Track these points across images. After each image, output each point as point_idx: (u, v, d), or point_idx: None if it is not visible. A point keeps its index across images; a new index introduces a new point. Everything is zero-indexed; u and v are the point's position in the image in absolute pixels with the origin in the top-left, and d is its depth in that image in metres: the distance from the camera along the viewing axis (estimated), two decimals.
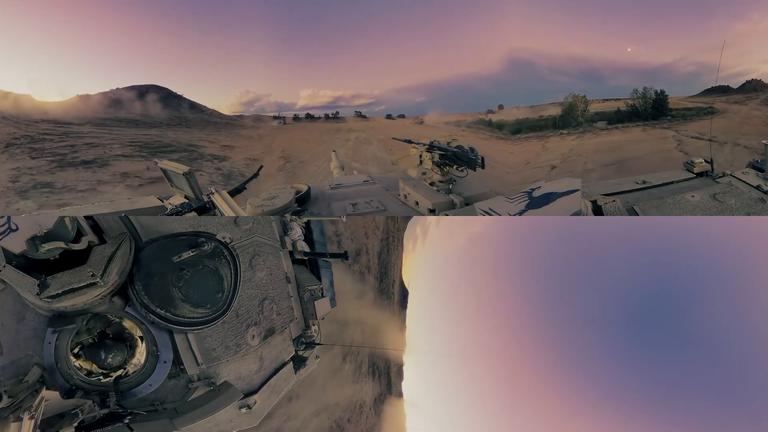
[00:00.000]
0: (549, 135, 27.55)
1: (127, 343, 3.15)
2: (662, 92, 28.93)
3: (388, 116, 36.18)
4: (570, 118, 28.32)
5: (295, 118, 34.96)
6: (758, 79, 30.09)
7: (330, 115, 36.22)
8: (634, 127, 27.80)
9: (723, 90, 31.00)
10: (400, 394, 24.65)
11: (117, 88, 29.84)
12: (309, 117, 35.65)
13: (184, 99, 31.97)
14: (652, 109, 28.61)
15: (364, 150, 27.97)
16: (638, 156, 22.59)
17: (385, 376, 23.72)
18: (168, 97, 31.40)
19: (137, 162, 20.65)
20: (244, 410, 3.45)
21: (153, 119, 28.23)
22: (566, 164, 23.53)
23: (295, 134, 31.42)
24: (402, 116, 35.75)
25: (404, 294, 26.37)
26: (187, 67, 36.88)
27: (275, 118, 33.76)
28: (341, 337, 17.02)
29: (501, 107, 30.33)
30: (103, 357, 3.01)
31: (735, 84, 31.04)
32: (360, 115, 36.18)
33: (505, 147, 26.23)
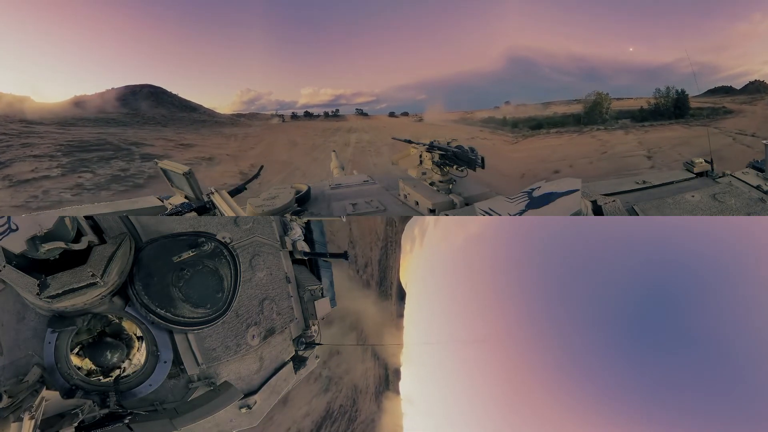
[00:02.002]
0: (584, 131, 27.52)
1: (123, 341, 3.16)
2: (683, 92, 29.22)
3: (391, 114, 35.85)
4: (595, 115, 28.49)
5: (293, 116, 34.73)
6: (761, 80, 30.24)
7: (329, 113, 35.89)
8: (670, 124, 27.87)
9: (726, 91, 31.08)
10: (397, 392, 24.77)
11: (112, 88, 29.97)
12: (308, 115, 35.36)
13: (178, 98, 31.97)
14: (674, 108, 28.86)
15: (369, 163, 25.41)
16: (717, 149, 22.31)
17: (384, 368, 24.03)
18: (161, 96, 31.40)
19: (39, 162, 19.95)
20: (244, 410, 3.45)
21: (130, 118, 27.69)
22: (660, 155, 23.02)
23: (285, 135, 29.86)
24: (406, 114, 35.50)
25: (402, 295, 26.39)
26: (188, 67, 36.87)
27: (272, 116, 33.64)
28: (357, 323, 20.04)
29: (508, 104, 30.36)
30: (108, 356, 3.02)
31: (737, 85, 31.16)
32: (361, 113, 35.88)
33: (551, 140, 26.13)
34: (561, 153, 24.12)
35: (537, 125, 28.04)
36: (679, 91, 29.10)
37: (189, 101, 32.22)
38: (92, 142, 22.67)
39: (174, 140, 25.56)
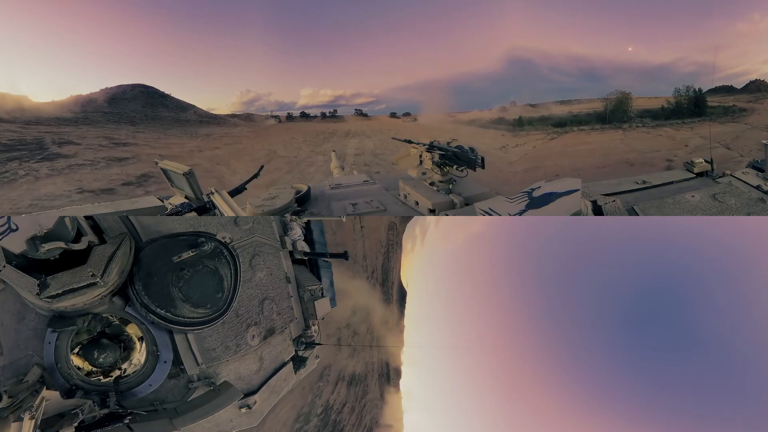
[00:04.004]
0: (625, 128, 27.81)
1: (121, 344, 3.16)
2: (699, 90, 29.43)
3: (393, 114, 35.41)
4: (619, 114, 28.86)
5: (289, 117, 34.33)
6: (761, 79, 30.36)
7: (327, 114, 35.34)
8: (700, 121, 28.08)
9: (727, 90, 31.16)
10: (398, 388, 24.98)
11: (106, 87, 30.09)
12: (304, 116, 34.84)
13: (171, 98, 31.96)
14: (694, 107, 29.14)
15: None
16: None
17: (385, 360, 24.59)
18: (153, 95, 31.41)
19: None
20: (244, 410, 3.45)
21: (103, 117, 27.47)
22: (735, 147, 23.23)
23: (268, 140, 28.30)
24: (408, 114, 35.03)
25: (403, 294, 26.45)
26: (188, 68, 36.95)
27: (267, 117, 33.34)
28: (366, 318, 22.75)
29: (513, 104, 30.36)
30: (95, 356, 3.02)
31: (737, 84, 31.26)
32: (360, 114, 35.52)
33: (595, 137, 26.52)
34: (641, 146, 24.51)
35: (559, 123, 28.30)
36: (697, 90, 29.34)
37: (182, 101, 32.17)
38: (27, 140, 22.51)
39: (112, 138, 24.90)
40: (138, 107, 30.18)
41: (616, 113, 28.88)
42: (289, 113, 34.37)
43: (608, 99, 29.44)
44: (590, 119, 28.84)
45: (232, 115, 33.02)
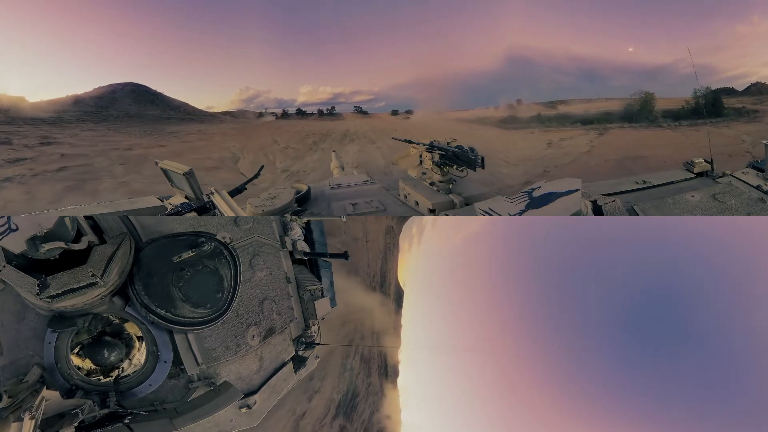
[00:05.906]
0: (665, 126, 28.16)
1: (124, 341, 3.16)
2: (715, 91, 29.64)
3: (394, 112, 34.66)
4: (645, 113, 29.35)
5: (284, 114, 33.74)
6: (762, 82, 30.44)
7: (324, 111, 34.43)
8: (729, 121, 28.21)
9: (728, 92, 31.19)
10: (395, 384, 25.08)
11: (99, 87, 30.13)
12: (300, 113, 34.07)
13: (162, 96, 31.92)
14: (712, 107, 29.47)
15: None
16: None
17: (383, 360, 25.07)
18: (144, 94, 31.38)
19: None
20: (244, 410, 3.45)
21: (75, 116, 27.10)
22: None
23: (243, 141, 27.01)
24: (410, 111, 34.44)
25: (400, 294, 26.46)
26: (187, 67, 36.87)
27: (261, 114, 32.88)
28: (370, 317, 24.08)
29: (519, 102, 30.43)
30: (105, 354, 3.02)
31: (737, 86, 31.33)
32: (360, 111, 34.94)
33: (644, 133, 27.16)
34: (711, 141, 24.75)
35: (586, 121, 28.81)
36: (713, 90, 29.66)
37: (173, 99, 32.06)
38: None
39: (47, 137, 24.01)
40: (124, 106, 30.01)
41: (642, 113, 29.30)
42: (284, 110, 33.67)
43: (632, 99, 29.92)
44: (614, 118, 29.29)
45: (225, 113, 32.71)
